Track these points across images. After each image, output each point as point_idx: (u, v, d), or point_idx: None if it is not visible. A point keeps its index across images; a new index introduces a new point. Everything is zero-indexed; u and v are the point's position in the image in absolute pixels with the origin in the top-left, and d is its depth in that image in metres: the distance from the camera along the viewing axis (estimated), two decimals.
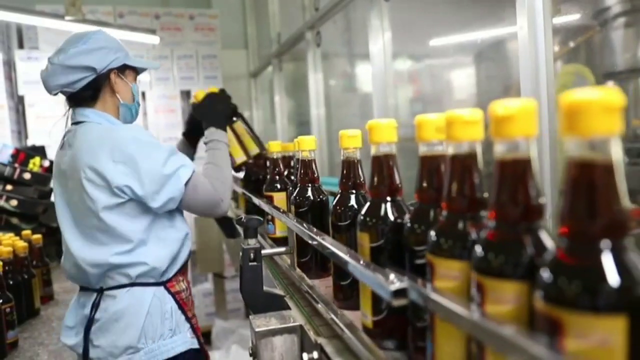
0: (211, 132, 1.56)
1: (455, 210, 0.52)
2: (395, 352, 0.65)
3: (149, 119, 3.91)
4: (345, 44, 2.90)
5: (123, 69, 1.42)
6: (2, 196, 2.38)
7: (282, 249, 1.07)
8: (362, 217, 0.71)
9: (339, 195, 0.86)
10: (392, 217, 0.68)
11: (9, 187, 2.46)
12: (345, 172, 0.86)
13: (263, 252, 0.99)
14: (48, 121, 3.49)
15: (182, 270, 1.44)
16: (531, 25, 1.34)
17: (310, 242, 0.85)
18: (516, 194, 0.45)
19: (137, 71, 1.51)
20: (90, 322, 1.32)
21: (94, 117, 1.37)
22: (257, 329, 0.80)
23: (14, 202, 2.37)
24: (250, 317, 0.85)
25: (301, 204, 1.08)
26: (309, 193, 1.09)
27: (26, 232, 1.95)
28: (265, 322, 0.82)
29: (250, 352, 0.84)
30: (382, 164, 0.71)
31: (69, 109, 1.43)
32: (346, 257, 0.65)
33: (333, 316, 0.76)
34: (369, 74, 2.31)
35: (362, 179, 0.86)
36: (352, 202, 0.84)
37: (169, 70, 3.97)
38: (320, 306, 0.85)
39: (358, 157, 0.86)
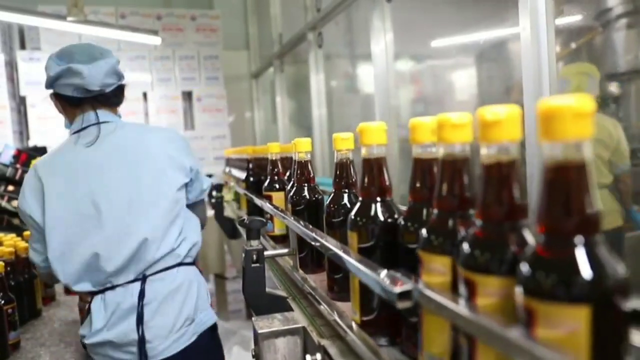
0: None
1: (444, 209, 0.54)
2: (389, 347, 0.65)
3: (150, 120, 3.92)
4: (347, 44, 2.90)
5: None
6: (4, 197, 2.39)
7: (285, 251, 1.07)
8: (352, 217, 0.73)
9: (332, 194, 0.90)
10: (382, 217, 0.71)
11: (10, 187, 2.46)
12: (338, 172, 0.90)
13: (266, 253, 0.99)
14: (50, 122, 3.49)
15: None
16: (534, 26, 1.34)
17: (313, 243, 0.85)
18: (501, 195, 0.47)
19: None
20: (141, 310, 1.36)
21: (118, 120, 1.51)
22: (259, 331, 0.80)
23: (15, 203, 2.38)
24: (253, 318, 0.85)
25: (298, 203, 1.13)
26: (305, 192, 1.14)
27: (27, 233, 1.94)
28: (268, 323, 0.82)
29: (253, 353, 0.84)
30: (373, 166, 0.73)
31: (93, 109, 1.48)
32: (349, 258, 0.65)
33: (336, 318, 0.76)
34: (370, 75, 2.31)
35: (354, 179, 0.90)
36: (345, 200, 0.89)
37: (170, 70, 3.97)
38: (322, 307, 0.84)
39: (351, 158, 0.90)
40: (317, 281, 0.99)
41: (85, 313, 1.45)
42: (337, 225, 0.86)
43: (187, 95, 4.10)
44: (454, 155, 0.54)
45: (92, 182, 1.37)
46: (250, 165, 2.03)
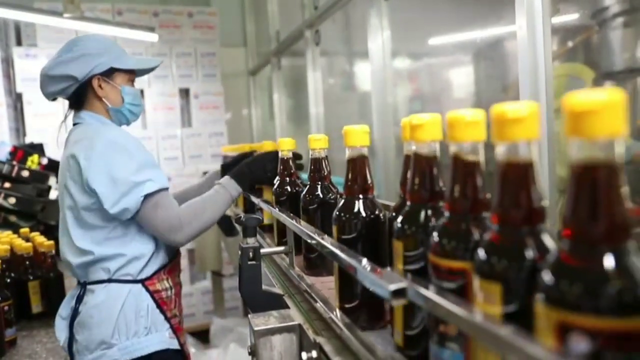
0: (228, 181, 1.47)
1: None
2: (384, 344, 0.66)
3: (147, 117, 3.91)
4: (344, 42, 2.90)
5: (110, 73, 1.42)
6: (1, 194, 2.38)
7: (281, 248, 1.08)
8: (336, 213, 0.80)
9: (307, 186, 1.09)
10: (364, 213, 0.78)
11: (7, 184, 2.45)
12: (313, 167, 1.08)
13: (262, 251, 0.99)
14: (46, 119, 3.48)
15: (169, 269, 1.45)
16: (530, 25, 1.34)
17: (309, 240, 0.85)
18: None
19: (133, 72, 1.48)
20: (74, 314, 1.37)
21: (88, 118, 1.44)
22: (256, 328, 0.80)
23: (12, 200, 2.37)
24: (250, 316, 0.86)
25: (281, 195, 1.30)
26: (287, 186, 1.29)
27: (24, 230, 1.94)
28: (264, 321, 0.83)
29: (249, 350, 0.85)
30: (356, 165, 0.80)
31: (68, 111, 1.49)
32: (345, 256, 0.65)
33: (332, 315, 0.76)
34: (368, 73, 2.31)
35: (327, 172, 1.08)
36: (318, 191, 1.06)
37: (167, 68, 3.96)
38: (319, 305, 0.85)
39: (324, 155, 1.08)
40: (313, 279, 0.99)
41: None
42: (311, 211, 1.04)
43: (184, 93, 4.09)
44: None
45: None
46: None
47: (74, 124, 1.46)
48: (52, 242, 1.77)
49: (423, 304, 0.47)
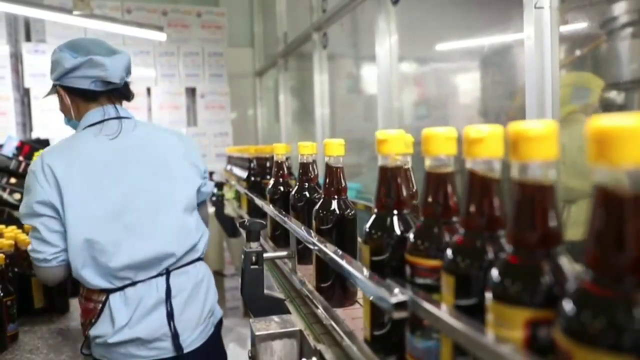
0: None
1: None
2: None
3: (153, 115, 3.92)
4: (352, 45, 2.90)
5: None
6: (5, 189, 2.39)
7: (284, 253, 1.08)
8: (315, 209, 0.97)
9: (295, 187, 1.25)
10: (338, 211, 0.95)
11: (12, 180, 2.47)
12: (301, 170, 1.25)
13: (265, 255, 1.00)
14: (53, 114, 3.49)
15: None
16: (538, 34, 1.34)
17: (311, 247, 0.86)
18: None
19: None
20: (170, 303, 1.36)
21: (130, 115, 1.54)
22: (257, 333, 0.80)
23: (17, 196, 2.38)
24: (251, 320, 0.86)
25: (275, 193, 1.50)
26: (280, 186, 1.50)
27: (28, 226, 1.94)
28: (265, 325, 0.83)
29: (250, 355, 0.85)
30: (333, 172, 0.98)
31: (113, 104, 1.47)
32: (346, 265, 0.66)
33: (333, 323, 0.76)
34: (374, 76, 2.31)
35: (314, 175, 1.26)
36: (306, 192, 1.23)
37: (174, 67, 3.97)
38: (320, 311, 0.85)
39: (312, 160, 1.25)
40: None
41: (96, 313, 1.36)
42: (299, 208, 1.20)
43: (191, 92, 4.11)
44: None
45: (119, 177, 1.34)
46: (252, 165, 2.03)
47: (125, 117, 1.45)
48: None
49: (425, 318, 0.47)
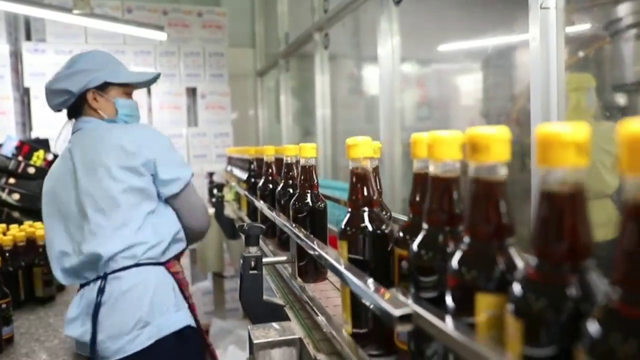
0: None
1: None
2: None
3: (153, 115, 3.91)
4: (353, 46, 2.88)
5: (105, 86, 1.53)
6: (5, 189, 2.37)
7: (284, 258, 1.06)
8: (292, 202, 1.12)
9: (282, 184, 1.36)
10: (310, 203, 1.10)
11: (11, 180, 2.45)
12: (285, 170, 1.35)
13: (264, 260, 0.97)
14: (53, 114, 3.47)
15: (178, 256, 1.56)
16: (544, 35, 1.32)
17: (310, 252, 0.83)
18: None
19: (128, 85, 1.59)
20: (97, 306, 1.38)
21: (92, 121, 1.55)
22: (255, 341, 0.78)
23: (16, 196, 2.37)
24: (249, 327, 0.84)
25: (264, 190, 1.58)
26: (270, 184, 1.56)
27: (29, 229, 1.93)
28: (264, 333, 0.81)
29: None
30: (306, 170, 1.13)
31: (67, 121, 1.62)
32: (350, 275, 0.63)
33: (333, 331, 0.74)
34: (376, 77, 2.29)
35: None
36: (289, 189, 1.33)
37: (175, 66, 3.96)
38: (320, 319, 0.83)
39: (294, 161, 1.32)
40: (316, 290, 0.97)
41: None
42: (284, 202, 1.30)
43: (191, 92, 4.09)
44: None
45: (72, 183, 1.48)
46: (252, 167, 2.01)
47: (76, 130, 1.56)
48: None
49: (430, 331, 0.45)
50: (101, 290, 1.39)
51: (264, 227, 1.02)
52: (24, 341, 1.57)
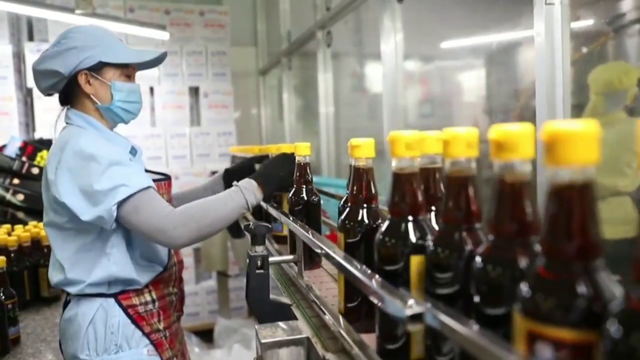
0: (248, 184, 1.29)
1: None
2: None
3: (156, 115, 3.90)
4: (356, 44, 2.88)
5: (99, 67, 1.29)
6: (9, 190, 2.38)
7: (290, 257, 1.05)
8: (289, 197, 1.23)
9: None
10: (305, 197, 1.22)
11: (15, 180, 2.45)
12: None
13: (270, 259, 0.97)
14: (56, 114, 3.48)
15: (154, 282, 1.34)
16: (549, 31, 1.31)
17: (318, 252, 0.83)
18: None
19: (128, 66, 1.34)
20: (61, 318, 1.35)
21: (75, 119, 1.33)
22: (263, 340, 0.78)
23: (21, 197, 2.37)
24: (256, 327, 0.84)
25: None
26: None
27: (34, 229, 1.94)
28: (271, 332, 0.81)
29: None
30: (301, 167, 1.23)
31: (61, 109, 1.40)
32: (355, 272, 0.63)
33: (341, 330, 0.74)
34: (379, 74, 2.28)
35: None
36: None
37: (177, 66, 3.95)
38: (327, 318, 0.82)
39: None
40: (322, 289, 0.97)
41: None
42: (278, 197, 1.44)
43: (194, 91, 4.08)
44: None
45: None
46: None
47: (66, 124, 1.37)
48: None
49: (442, 330, 0.45)
50: (64, 306, 1.34)
51: (270, 226, 1.02)
52: (30, 341, 1.57)
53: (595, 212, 0.39)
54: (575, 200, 0.39)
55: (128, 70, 1.35)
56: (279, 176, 1.32)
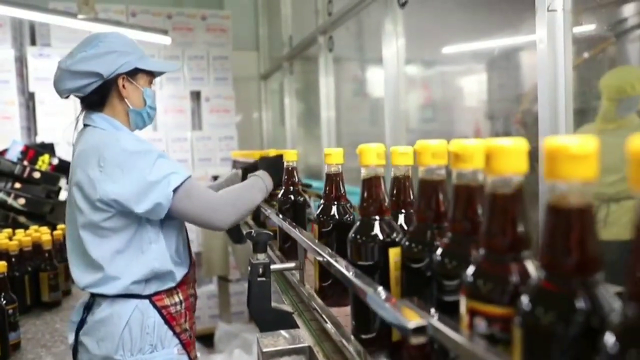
0: (263, 174, 1.48)
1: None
2: None
3: (158, 119, 3.90)
4: (358, 48, 2.88)
5: (134, 73, 1.36)
6: (11, 194, 2.38)
7: (292, 265, 1.05)
8: (277, 198, 1.37)
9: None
10: (293, 198, 1.38)
11: (17, 185, 2.45)
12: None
13: (272, 267, 0.97)
14: (58, 118, 3.49)
15: (181, 283, 1.39)
16: (551, 37, 1.31)
17: (319, 259, 0.83)
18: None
19: (152, 74, 1.43)
20: (81, 322, 1.34)
21: (100, 121, 1.36)
22: (264, 349, 0.77)
23: (22, 201, 2.37)
24: (258, 335, 0.83)
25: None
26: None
27: (35, 233, 1.94)
28: (273, 341, 0.80)
29: None
30: (289, 171, 1.39)
31: (81, 111, 1.42)
32: (360, 284, 0.63)
33: (343, 340, 0.73)
34: (380, 79, 2.28)
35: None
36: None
37: (179, 70, 3.96)
38: (329, 326, 0.82)
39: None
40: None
41: None
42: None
43: (196, 95, 4.09)
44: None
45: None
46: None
47: (85, 125, 1.38)
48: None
49: (444, 343, 0.44)
50: (88, 308, 1.33)
51: (271, 233, 1.01)
52: (31, 347, 1.56)
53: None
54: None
55: (152, 78, 1.44)
56: (281, 169, 1.50)
